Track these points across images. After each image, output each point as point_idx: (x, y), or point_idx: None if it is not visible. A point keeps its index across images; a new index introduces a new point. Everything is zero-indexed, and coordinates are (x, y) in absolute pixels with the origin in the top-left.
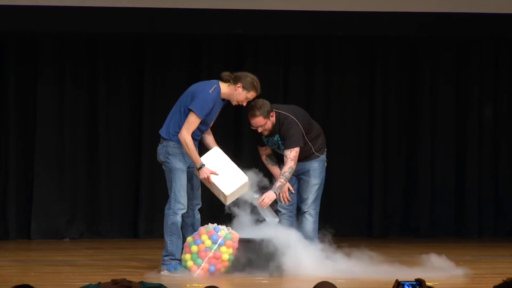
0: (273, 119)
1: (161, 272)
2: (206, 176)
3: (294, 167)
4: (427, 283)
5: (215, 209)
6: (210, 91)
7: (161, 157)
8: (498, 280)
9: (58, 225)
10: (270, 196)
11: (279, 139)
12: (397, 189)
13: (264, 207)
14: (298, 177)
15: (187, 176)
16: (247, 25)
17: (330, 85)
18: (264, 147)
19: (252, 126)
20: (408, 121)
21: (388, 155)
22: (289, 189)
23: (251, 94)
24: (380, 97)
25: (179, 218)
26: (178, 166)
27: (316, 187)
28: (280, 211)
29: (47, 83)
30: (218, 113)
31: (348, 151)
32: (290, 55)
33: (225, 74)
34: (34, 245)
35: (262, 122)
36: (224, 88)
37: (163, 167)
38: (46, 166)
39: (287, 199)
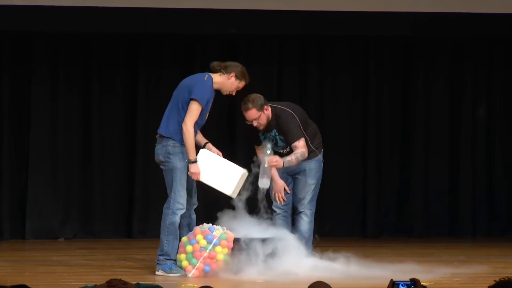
0: (267, 112)
1: (156, 272)
2: (195, 172)
3: (306, 153)
4: (422, 283)
5: (210, 209)
6: (205, 79)
7: (160, 157)
8: (492, 280)
9: (52, 225)
10: (279, 161)
11: (276, 134)
12: (390, 189)
13: (269, 166)
14: (294, 177)
15: (188, 178)
16: (240, 25)
17: (323, 85)
18: (261, 146)
19: (247, 120)
20: (402, 121)
21: (381, 155)
22: (284, 189)
23: (242, 84)
24: (374, 97)
25: (177, 219)
26: (180, 166)
27: (312, 187)
28: (275, 211)
29: (41, 83)
30: (210, 107)
31: (342, 151)
32: (283, 55)
33: (216, 64)
34: (28, 245)
35: (256, 115)
36: (216, 77)
37: (162, 167)
38: (40, 166)
39: (283, 199)
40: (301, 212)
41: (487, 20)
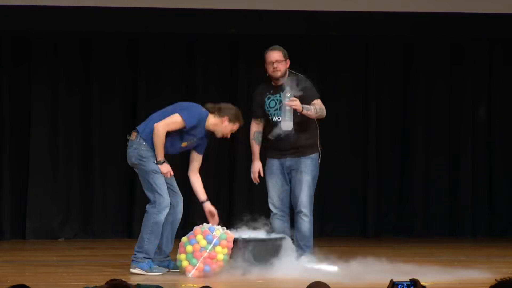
0: (288, 65)
1: (132, 270)
2: (167, 171)
3: (324, 111)
4: (422, 283)
5: None
6: (202, 110)
7: (133, 160)
8: (493, 280)
9: (52, 225)
10: (298, 103)
11: (287, 95)
12: (391, 189)
13: (290, 106)
14: (290, 174)
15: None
16: (240, 25)
17: (323, 85)
18: (258, 120)
19: (269, 60)
20: (402, 121)
21: (382, 155)
22: (259, 172)
23: (236, 126)
24: (374, 97)
25: (162, 218)
26: (154, 167)
27: (309, 183)
28: (271, 211)
29: (41, 83)
30: (197, 142)
31: (342, 151)
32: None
33: (209, 105)
34: (29, 245)
35: (281, 57)
36: (211, 118)
37: (136, 170)
38: (40, 166)
39: (256, 180)
40: (301, 212)
41: (487, 20)
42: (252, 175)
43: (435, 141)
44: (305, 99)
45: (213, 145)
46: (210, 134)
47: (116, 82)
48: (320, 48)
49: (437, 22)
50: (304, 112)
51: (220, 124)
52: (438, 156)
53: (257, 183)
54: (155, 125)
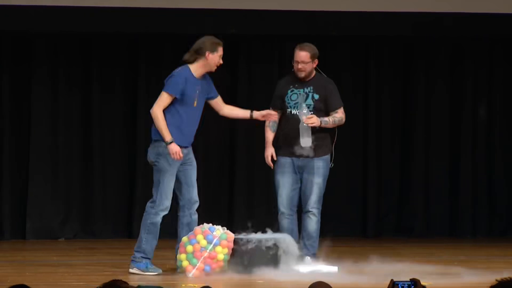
0: (315, 65)
1: (130, 270)
2: (175, 151)
3: (344, 120)
4: (422, 283)
5: (210, 209)
6: (177, 71)
7: (151, 158)
8: (493, 280)
9: (53, 225)
10: (315, 120)
11: (311, 91)
12: (390, 189)
13: (308, 124)
14: (301, 175)
15: (185, 173)
16: (240, 25)
17: None
18: (275, 111)
19: (296, 59)
20: (402, 121)
21: (382, 155)
22: (272, 155)
23: (220, 49)
24: (374, 97)
25: (159, 219)
26: (168, 168)
27: (320, 185)
28: (280, 210)
29: (41, 83)
30: (202, 91)
31: (342, 151)
32: (284, 55)
33: (186, 58)
34: (29, 245)
35: (307, 59)
36: (196, 66)
37: (153, 166)
38: (40, 166)
39: (270, 165)
40: (309, 211)
41: (487, 20)
42: (266, 160)
43: (435, 141)
44: (328, 104)
45: (213, 145)
46: (208, 74)
47: (116, 82)
48: (320, 48)
49: (437, 22)
50: (322, 125)
51: (205, 62)
52: (438, 156)
53: (271, 168)
54: (151, 112)
